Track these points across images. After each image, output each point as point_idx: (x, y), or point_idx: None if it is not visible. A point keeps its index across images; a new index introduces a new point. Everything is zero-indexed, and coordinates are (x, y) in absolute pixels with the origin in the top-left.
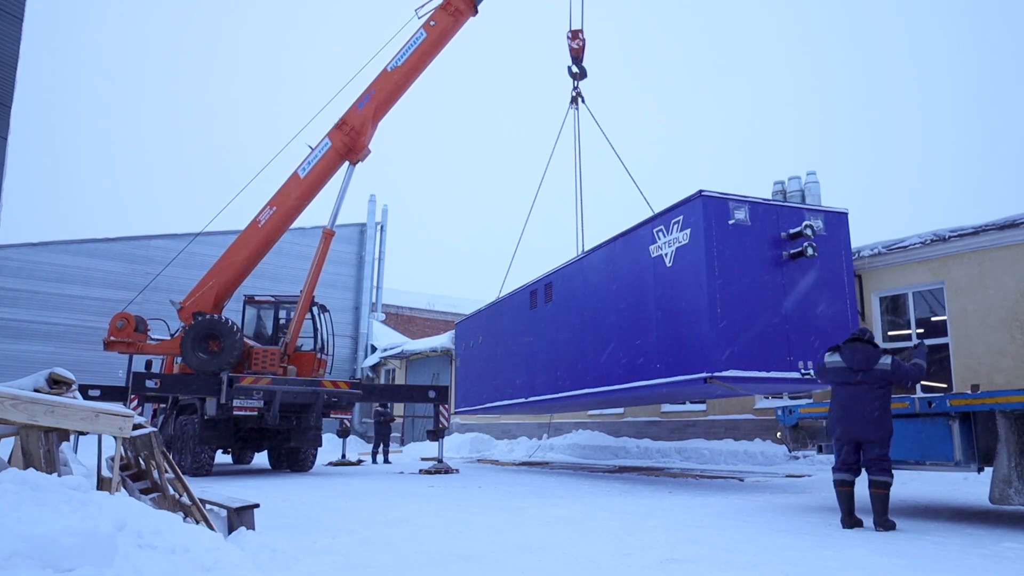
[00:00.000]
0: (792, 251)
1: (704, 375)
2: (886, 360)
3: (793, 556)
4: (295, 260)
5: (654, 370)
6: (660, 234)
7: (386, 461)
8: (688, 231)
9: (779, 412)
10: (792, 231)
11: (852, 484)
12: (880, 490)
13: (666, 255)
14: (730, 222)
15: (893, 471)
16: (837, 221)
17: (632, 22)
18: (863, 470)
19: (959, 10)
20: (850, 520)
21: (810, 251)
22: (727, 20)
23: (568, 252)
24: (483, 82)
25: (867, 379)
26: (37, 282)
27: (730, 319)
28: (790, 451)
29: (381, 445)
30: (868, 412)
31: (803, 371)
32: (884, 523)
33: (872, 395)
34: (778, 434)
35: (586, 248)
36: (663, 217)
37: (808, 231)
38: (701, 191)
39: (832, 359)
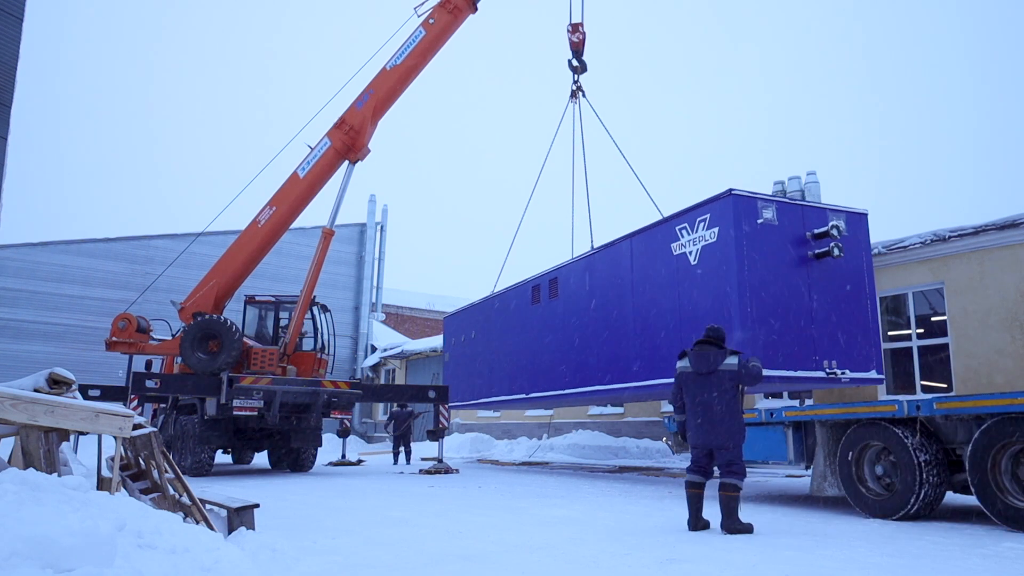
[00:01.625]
0: (818, 251)
1: None
2: (732, 360)
3: (792, 556)
4: (295, 260)
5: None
6: (684, 232)
7: (399, 461)
8: (716, 229)
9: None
10: (818, 231)
11: (702, 487)
12: (728, 492)
13: (690, 253)
14: (758, 221)
15: (747, 474)
16: (857, 222)
17: (630, 18)
18: (715, 473)
19: (963, 8)
20: (696, 522)
21: (836, 251)
22: (727, 19)
23: (561, 255)
24: (482, 77)
25: (713, 382)
26: (37, 282)
27: (759, 318)
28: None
29: (401, 445)
30: (717, 417)
31: (828, 370)
32: (732, 526)
33: (720, 398)
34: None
35: (594, 245)
36: (687, 215)
37: (835, 231)
38: (731, 190)
39: (681, 364)
